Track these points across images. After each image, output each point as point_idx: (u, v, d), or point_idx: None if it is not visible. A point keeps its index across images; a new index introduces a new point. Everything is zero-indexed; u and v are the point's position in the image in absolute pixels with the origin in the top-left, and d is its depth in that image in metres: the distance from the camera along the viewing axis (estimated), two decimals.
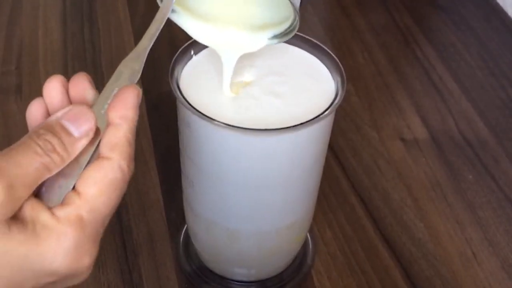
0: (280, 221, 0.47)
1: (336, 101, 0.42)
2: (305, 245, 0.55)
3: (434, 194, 0.62)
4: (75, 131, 0.31)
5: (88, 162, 0.32)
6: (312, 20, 0.84)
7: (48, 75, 0.75)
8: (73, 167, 0.32)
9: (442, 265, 0.56)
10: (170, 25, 0.39)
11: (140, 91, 0.34)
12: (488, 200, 0.61)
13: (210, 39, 0.42)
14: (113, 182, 0.31)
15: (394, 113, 0.70)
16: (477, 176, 0.64)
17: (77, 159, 0.32)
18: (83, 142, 0.31)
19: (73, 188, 0.31)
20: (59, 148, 0.30)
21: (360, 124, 0.69)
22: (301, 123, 0.39)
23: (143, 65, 0.35)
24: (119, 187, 0.32)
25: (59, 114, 0.32)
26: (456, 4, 0.88)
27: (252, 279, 0.54)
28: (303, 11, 0.37)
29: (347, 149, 0.66)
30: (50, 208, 0.30)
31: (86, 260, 0.31)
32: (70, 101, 0.34)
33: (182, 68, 0.44)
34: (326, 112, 0.40)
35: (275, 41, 0.42)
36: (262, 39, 0.42)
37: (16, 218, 0.29)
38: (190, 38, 0.43)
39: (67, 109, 0.32)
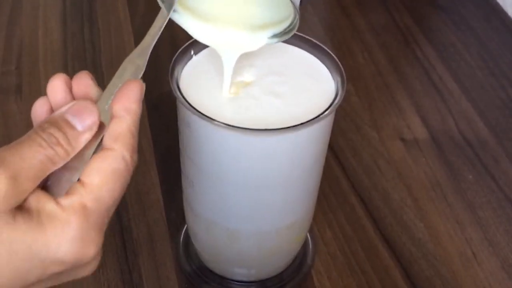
0: (280, 221, 0.47)
1: (336, 101, 0.42)
2: (305, 245, 0.55)
3: (434, 194, 0.62)
4: (79, 125, 0.31)
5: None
6: (312, 20, 0.84)
7: (48, 75, 0.76)
8: (78, 161, 0.32)
9: (442, 265, 0.56)
10: (170, 25, 0.39)
11: (144, 85, 0.34)
12: (488, 200, 0.61)
13: (210, 39, 0.43)
14: (117, 172, 0.32)
15: (394, 113, 0.70)
16: (477, 176, 0.64)
17: (81, 153, 0.32)
18: (87, 136, 0.32)
19: (78, 180, 0.32)
20: (63, 141, 0.31)
21: (360, 124, 0.69)
22: (301, 123, 0.39)
23: (146, 61, 0.36)
24: (123, 177, 0.32)
25: (63, 109, 0.32)
26: (456, 4, 0.88)
27: (252, 279, 0.54)
28: (303, 11, 0.37)
29: (347, 149, 0.66)
30: (55, 199, 0.30)
31: (91, 249, 0.31)
32: (73, 98, 0.34)
33: (182, 68, 0.44)
34: (326, 112, 0.40)
35: (275, 40, 0.42)
36: (262, 38, 0.42)
37: (21, 209, 0.29)
38: (190, 38, 0.43)
39: (70, 104, 0.32)
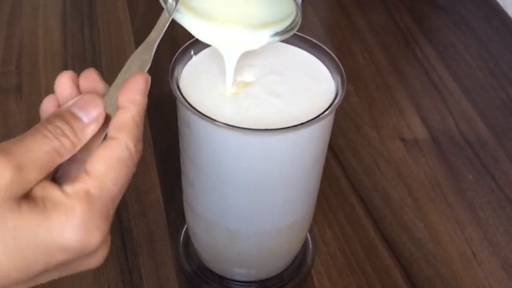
0: (280, 221, 0.47)
1: (336, 101, 0.42)
2: (305, 245, 0.55)
3: (434, 194, 0.62)
4: (85, 117, 0.32)
5: None
6: (312, 20, 0.84)
7: (48, 75, 0.76)
8: (86, 154, 0.32)
9: (442, 265, 0.56)
10: (170, 25, 0.39)
11: (149, 78, 0.34)
12: (488, 200, 0.61)
13: (211, 38, 0.43)
14: (120, 160, 0.32)
15: (394, 113, 0.70)
16: (477, 176, 0.64)
17: (89, 145, 0.32)
18: (93, 128, 0.32)
19: None
20: (69, 133, 0.31)
21: (360, 124, 0.69)
22: (301, 123, 0.39)
23: (152, 56, 0.36)
24: (127, 166, 0.32)
25: (69, 103, 0.33)
26: (456, 4, 0.88)
27: (252, 279, 0.54)
28: (303, 11, 0.37)
29: (347, 149, 0.66)
30: (60, 187, 0.30)
31: (96, 235, 0.30)
32: (80, 94, 0.34)
33: (182, 68, 0.44)
34: (326, 112, 0.40)
35: (277, 38, 0.42)
36: (263, 37, 0.42)
37: (27, 198, 0.29)
38: (190, 38, 0.43)
39: (76, 98, 0.33)
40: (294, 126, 0.39)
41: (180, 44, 0.45)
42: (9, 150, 0.29)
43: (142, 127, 0.34)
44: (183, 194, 0.50)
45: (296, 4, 0.37)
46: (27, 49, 0.77)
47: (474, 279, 0.55)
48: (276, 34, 0.42)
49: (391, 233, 0.58)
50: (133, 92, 0.33)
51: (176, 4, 0.39)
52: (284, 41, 0.43)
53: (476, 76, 0.76)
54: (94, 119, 0.32)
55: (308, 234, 0.57)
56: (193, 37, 0.43)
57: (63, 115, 0.32)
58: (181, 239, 0.56)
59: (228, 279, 0.54)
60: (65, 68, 0.74)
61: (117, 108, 0.33)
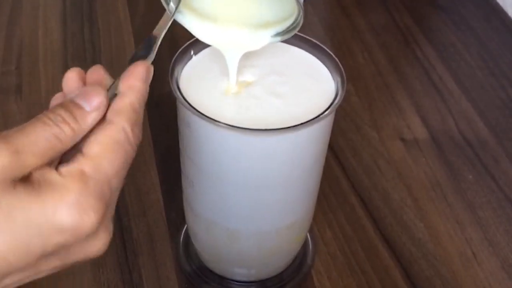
0: (280, 221, 0.47)
1: (336, 101, 0.42)
2: (305, 245, 0.55)
3: (434, 194, 0.62)
4: (86, 105, 0.32)
5: None
6: (312, 20, 0.84)
7: (48, 75, 0.76)
8: None
9: (442, 265, 0.56)
10: (170, 25, 0.39)
11: (151, 67, 0.35)
12: (488, 200, 0.61)
13: (213, 39, 0.43)
14: (116, 141, 0.32)
15: (394, 113, 0.70)
16: (477, 176, 0.64)
17: (91, 135, 0.33)
18: (94, 116, 0.32)
19: None
20: (69, 119, 0.31)
21: (360, 124, 0.69)
22: (301, 123, 0.39)
23: (156, 50, 0.37)
24: (123, 148, 0.32)
25: (72, 94, 0.33)
26: (456, 4, 0.88)
27: (252, 279, 0.54)
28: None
29: (347, 149, 0.66)
30: (57, 169, 0.31)
31: (90, 215, 0.30)
32: None
33: (182, 68, 0.44)
34: (326, 112, 0.40)
35: (278, 38, 0.42)
36: (264, 37, 0.42)
37: (24, 180, 0.30)
38: (190, 38, 0.43)
39: (79, 90, 0.33)
40: (294, 126, 0.39)
41: (180, 44, 0.44)
42: (7, 137, 0.29)
43: (142, 113, 0.34)
44: (183, 194, 0.50)
45: (299, 3, 0.37)
46: (27, 49, 0.77)
47: (474, 279, 0.55)
48: (277, 34, 0.42)
49: (391, 233, 0.58)
50: (133, 79, 0.34)
51: (178, 4, 0.39)
52: (284, 41, 0.43)
53: (476, 76, 0.76)
54: (95, 108, 0.32)
55: (308, 234, 0.57)
56: (193, 37, 0.43)
57: (65, 104, 0.32)
58: (181, 239, 0.56)
59: (228, 279, 0.54)
60: (65, 68, 0.74)
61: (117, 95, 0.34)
